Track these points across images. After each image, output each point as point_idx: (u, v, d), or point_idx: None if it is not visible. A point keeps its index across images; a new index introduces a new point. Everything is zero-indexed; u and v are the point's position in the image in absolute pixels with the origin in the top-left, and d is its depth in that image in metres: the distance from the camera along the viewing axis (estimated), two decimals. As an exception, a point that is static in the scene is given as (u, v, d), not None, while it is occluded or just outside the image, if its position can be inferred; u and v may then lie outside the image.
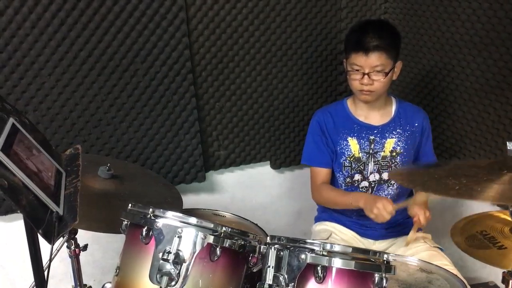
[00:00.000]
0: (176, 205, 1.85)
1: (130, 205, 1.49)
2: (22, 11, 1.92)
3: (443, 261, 1.84)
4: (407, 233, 2.07)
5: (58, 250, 1.79)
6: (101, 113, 2.15)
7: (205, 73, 2.28)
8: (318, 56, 2.44)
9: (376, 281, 1.27)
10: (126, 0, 2.03)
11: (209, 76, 2.29)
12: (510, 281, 1.26)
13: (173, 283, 1.34)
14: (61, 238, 1.74)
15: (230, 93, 2.35)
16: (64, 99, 2.08)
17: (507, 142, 1.22)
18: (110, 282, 1.51)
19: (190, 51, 2.19)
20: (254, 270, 1.55)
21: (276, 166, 2.56)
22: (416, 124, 2.04)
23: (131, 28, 2.08)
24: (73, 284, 1.80)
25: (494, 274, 2.19)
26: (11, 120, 1.19)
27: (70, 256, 1.76)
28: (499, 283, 2.11)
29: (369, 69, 1.87)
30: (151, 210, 1.41)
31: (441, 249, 1.96)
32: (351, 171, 2.04)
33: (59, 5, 1.96)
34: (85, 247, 1.77)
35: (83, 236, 1.78)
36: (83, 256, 1.80)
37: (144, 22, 2.09)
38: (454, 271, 1.75)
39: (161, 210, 1.41)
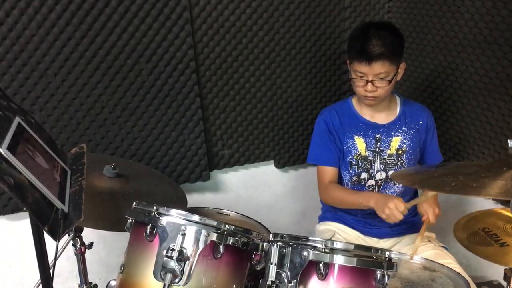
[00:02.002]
0: (181, 204, 1.86)
1: (134, 203, 1.51)
2: (27, 12, 1.94)
3: (448, 260, 1.84)
4: (412, 232, 2.08)
5: (64, 249, 1.81)
6: (106, 113, 2.17)
7: (209, 73, 2.29)
8: (322, 55, 2.45)
9: (378, 278, 1.28)
10: (131, 0, 2.05)
11: (213, 75, 2.30)
12: (512, 278, 1.26)
13: (177, 280, 1.35)
14: (67, 236, 1.76)
15: (234, 93, 2.36)
16: (70, 99, 2.10)
17: (508, 140, 1.22)
18: (115, 280, 1.52)
19: (194, 51, 2.21)
20: (258, 268, 1.56)
21: (280, 165, 2.57)
22: (421, 122, 2.04)
23: (135, 28, 2.10)
24: (79, 282, 1.82)
25: (498, 272, 2.18)
26: (17, 119, 1.21)
27: (76, 254, 1.78)
28: (503, 282, 2.11)
29: (373, 77, 1.86)
30: (155, 208, 1.42)
31: (445, 247, 1.96)
32: (357, 170, 2.04)
33: (64, 5, 1.98)
34: (90, 245, 1.79)
35: (88, 234, 1.80)
36: (88, 254, 1.82)
37: (149, 23, 2.11)
38: (459, 269, 1.75)
39: (165, 208, 1.42)
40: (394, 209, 1.74)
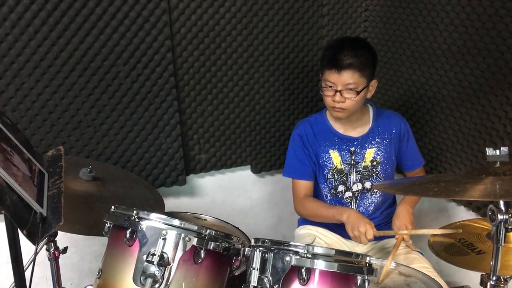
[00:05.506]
0: (158, 208, 1.84)
1: (113, 207, 1.48)
2: (2, 11, 1.90)
3: (424, 265, 1.87)
4: (389, 236, 2.10)
5: (37, 253, 1.76)
6: (81, 115, 2.13)
7: (187, 76, 2.28)
8: (300, 62, 2.47)
9: (358, 283, 1.29)
10: (109, 2, 2.03)
11: (191, 79, 2.29)
12: (488, 284, 1.29)
13: (157, 285, 1.33)
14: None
15: (212, 97, 2.35)
16: (44, 100, 2.06)
17: (486, 148, 1.25)
18: (91, 285, 1.49)
19: (172, 54, 2.19)
20: (236, 274, 1.55)
21: (256, 170, 2.57)
22: (394, 131, 2.07)
23: (113, 30, 2.07)
24: (52, 287, 1.77)
25: (469, 277, 2.24)
26: (-6, 120, 1.17)
27: (49, 259, 1.74)
28: (473, 287, 2.16)
29: (342, 87, 1.88)
30: (135, 212, 1.40)
31: (421, 253, 1.99)
32: (334, 183, 2.06)
33: (40, 5, 1.94)
34: (64, 250, 1.75)
35: (60, 239, 1.76)
36: (60, 259, 1.77)
37: (127, 25, 2.08)
38: (434, 274, 1.78)
39: (145, 212, 1.40)
40: (363, 234, 1.79)
